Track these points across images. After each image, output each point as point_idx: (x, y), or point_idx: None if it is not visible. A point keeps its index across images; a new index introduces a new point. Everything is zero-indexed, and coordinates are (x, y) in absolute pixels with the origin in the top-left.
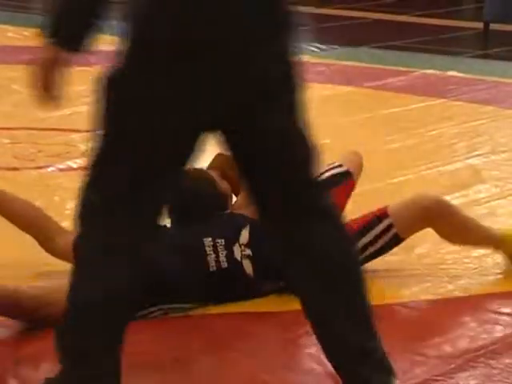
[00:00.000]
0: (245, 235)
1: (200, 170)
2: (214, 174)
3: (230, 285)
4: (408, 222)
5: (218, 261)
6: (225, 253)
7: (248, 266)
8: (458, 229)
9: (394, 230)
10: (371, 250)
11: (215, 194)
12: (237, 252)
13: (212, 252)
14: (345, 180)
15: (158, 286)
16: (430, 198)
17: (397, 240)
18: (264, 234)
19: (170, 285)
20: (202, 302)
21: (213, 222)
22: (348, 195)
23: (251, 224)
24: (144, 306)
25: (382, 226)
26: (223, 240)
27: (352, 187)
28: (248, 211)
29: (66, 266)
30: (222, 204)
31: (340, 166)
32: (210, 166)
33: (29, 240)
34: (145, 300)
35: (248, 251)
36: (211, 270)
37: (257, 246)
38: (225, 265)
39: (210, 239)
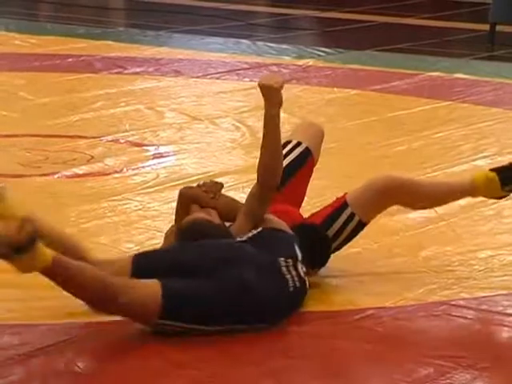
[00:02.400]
0: (298, 251)
1: (187, 220)
2: (198, 214)
3: (300, 303)
4: (369, 207)
5: (293, 281)
6: (295, 272)
7: (307, 282)
8: (422, 196)
9: (356, 218)
10: (340, 238)
11: (216, 228)
12: (300, 270)
13: (287, 272)
14: (306, 160)
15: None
16: (382, 178)
17: (361, 226)
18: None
19: (261, 305)
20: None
21: (267, 240)
22: (310, 175)
23: (294, 237)
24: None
25: (344, 216)
26: (291, 260)
27: (313, 165)
28: (245, 231)
29: None
30: (227, 233)
31: (299, 144)
32: (184, 210)
33: None
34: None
35: (304, 267)
36: (291, 290)
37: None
38: (298, 284)
39: (282, 259)
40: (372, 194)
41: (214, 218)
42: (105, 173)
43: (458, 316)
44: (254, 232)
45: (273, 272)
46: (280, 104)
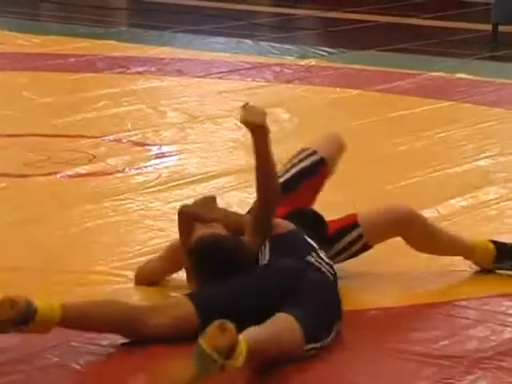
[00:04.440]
0: (311, 241)
1: (194, 239)
2: (204, 230)
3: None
4: (378, 232)
5: (328, 270)
6: (323, 262)
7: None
8: (428, 239)
9: (363, 240)
10: (344, 255)
11: (225, 239)
12: (324, 257)
13: (320, 265)
14: (318, 169)
15: None
16: (403, 208)
17: (366, 248)
18: None
19: (338, 301)
20: None
21: (286, 249)
22: (321, 184)
23: (299, 230)
24: None
25: (353, 235)
26: (314, 253)
27: (326, 175)
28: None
29: None
30: (237, 241)
31: (314, 152)
32: (187, 229)
33: None
34: None
35: (323, 252)
36: (332, 279)
37: None
38: (332, 271)
39: (309, 257)
40: (386, 223)
41: (220, 230)
42: (107, 172)
43: (460, 316)
44: (268, 247)
45: (316, 271)
46: (267, 134)
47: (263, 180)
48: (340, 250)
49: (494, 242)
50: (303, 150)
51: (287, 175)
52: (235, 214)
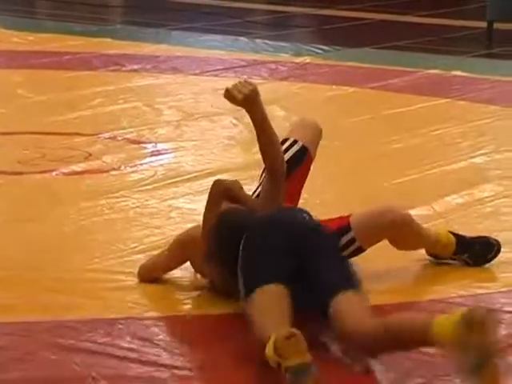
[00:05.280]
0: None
1: (233, 207)
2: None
3: None
4: (371, 235)
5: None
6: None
7: None
8: (414, 238)
9: (357, 244)
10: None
11: (247, 212)
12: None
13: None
14: (302, 158)
15: None
16: (396, 211)
17: (359, 251)
18: None
19: None
20: None
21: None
22: (307, 173)
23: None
24: None
25: (345, 239)
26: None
27: (310, 163)
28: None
29: None
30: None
31: (295, 142)
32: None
33: None
34: None
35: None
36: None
37: None
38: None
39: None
40: (377, 226)
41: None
42: (102, 170)
43: None
44: None
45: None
46: (254, 106)
47: (265, 150)
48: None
49: (454, 235)
50: (284, 141)
51: None
52: (255, 200)
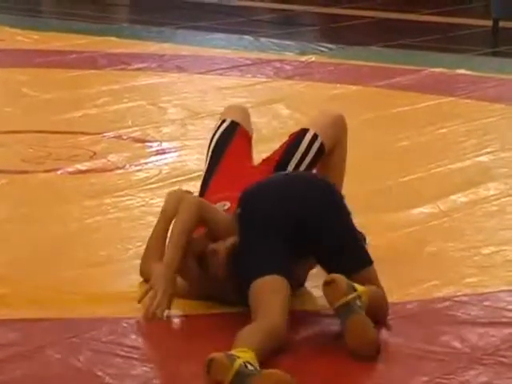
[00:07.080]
0: None
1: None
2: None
3: None
4: (327, 130)
5: None
6: None
7: None
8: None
9: (320, 139)
10: (305, 163)
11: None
12: None
13: None
14: (232, 132)
15: None
16: (334, 110)
17: (322, 149)
18: None
19: None
20: None
21: None
22: (245, 142)
23: None
24: None
25: (308, 137)
26: None
27: (243, 134)
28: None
29: None
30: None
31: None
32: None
33: None
34: None
35: None
36: None
37: None
38: None
39: None
40: (328, 118)
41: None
42: (107, 169)
43: (462, 312)
44: None
45: None
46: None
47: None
48: (299, 160)
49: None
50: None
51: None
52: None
